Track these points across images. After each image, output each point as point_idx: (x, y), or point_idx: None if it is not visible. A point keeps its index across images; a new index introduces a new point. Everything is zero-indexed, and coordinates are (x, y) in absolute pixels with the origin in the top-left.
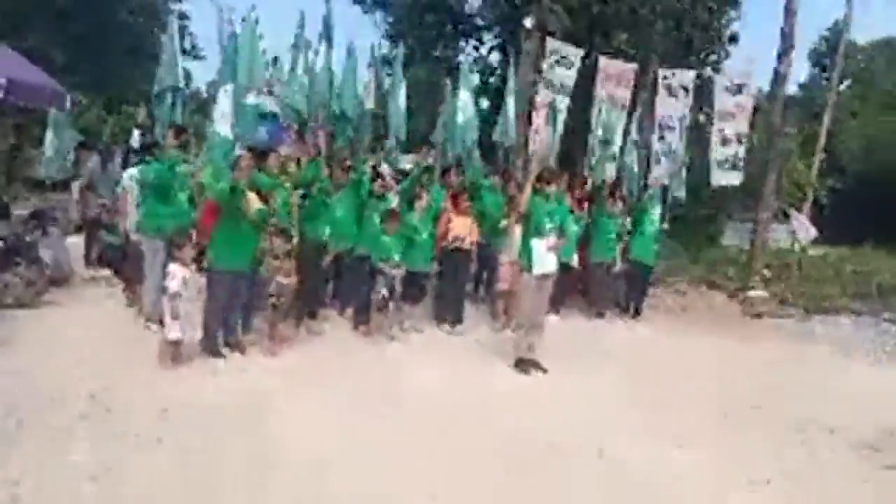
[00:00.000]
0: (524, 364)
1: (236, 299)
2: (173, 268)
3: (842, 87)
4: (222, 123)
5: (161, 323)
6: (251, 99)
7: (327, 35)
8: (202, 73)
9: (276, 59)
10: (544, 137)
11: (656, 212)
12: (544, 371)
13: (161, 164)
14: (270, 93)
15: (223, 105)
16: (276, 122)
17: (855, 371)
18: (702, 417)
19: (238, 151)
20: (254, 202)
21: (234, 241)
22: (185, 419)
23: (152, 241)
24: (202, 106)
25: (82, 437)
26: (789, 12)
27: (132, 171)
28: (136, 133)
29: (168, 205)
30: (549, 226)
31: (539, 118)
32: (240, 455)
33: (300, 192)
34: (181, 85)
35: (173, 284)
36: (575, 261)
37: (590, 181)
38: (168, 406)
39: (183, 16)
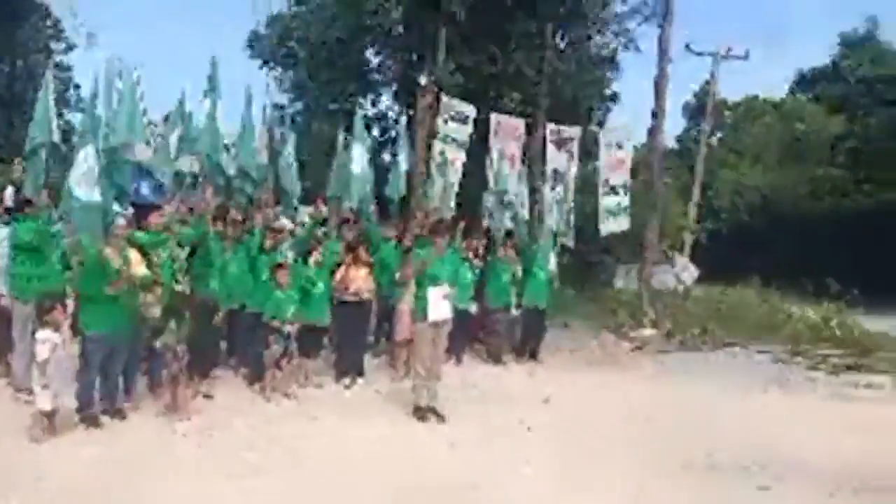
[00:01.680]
0: (422, 412)
1: (113, 364)
2: (42, 334)
3: (713, 139)
4: (84, 184)
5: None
6: (132, 155)
7: (212, 89)
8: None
9: (167, 117)
10: (436, 188)
11: (549, 258)
12: (442, 418)
13: (35, 224)
14: (156, 150)
15: (85, 165)
16: (154, 179)
17: (732, 400)
18: (597, 455)
19: (116, 209)
20: (136, 264)
21: (107, 303)
22: (57, 494)
23: (22, 306)
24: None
25: None
26: (661, 74)
27: (3, 231)
28: (9, 190)
29: (40, 266)
30: (441, 274)
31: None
32: None
33: (186, 249)
34: (55, 140)
35: (42, 351)
36: (472, 307)
37: (486, 230)
38: (39, 481)
39: (65, 68)
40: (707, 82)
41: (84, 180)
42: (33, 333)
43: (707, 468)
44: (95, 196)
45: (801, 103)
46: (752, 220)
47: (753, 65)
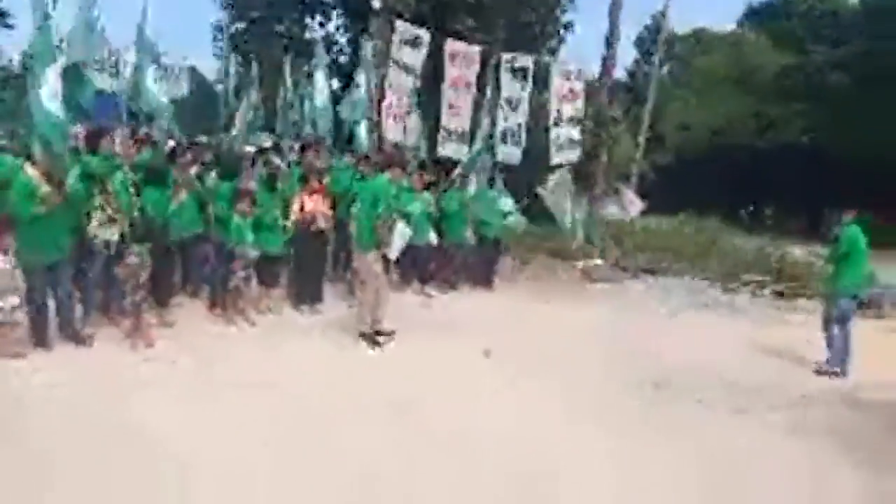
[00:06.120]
0: (369, 337)
1: (60, 290)
2: None
3: (663, 71)
4: (54, 102)
5: None
6: (93, 76)
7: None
8: (12, 44)
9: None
10: (407, 123)
11: (506, 187)
12: (391, 337)
13: None
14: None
15: (53, 82)
16: (109, 100)
17: (671, 325)
18: (549, 375)
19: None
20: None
21: (38, 231)
22: (25, 420)
23: None
24: (15, 79)
25: None
26: (615, 4)
27: None
28: None
29: None
30: (393, 207)
31: (391, 97)
32: (78, 451)
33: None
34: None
35: None
36: (431, 239)
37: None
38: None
39: None
40: (660, 14)
41: (53, 98)
42: None
43: (653, 386)
44: (60, 112)
45: (749, 36)
46: (697, 152)
47: None
